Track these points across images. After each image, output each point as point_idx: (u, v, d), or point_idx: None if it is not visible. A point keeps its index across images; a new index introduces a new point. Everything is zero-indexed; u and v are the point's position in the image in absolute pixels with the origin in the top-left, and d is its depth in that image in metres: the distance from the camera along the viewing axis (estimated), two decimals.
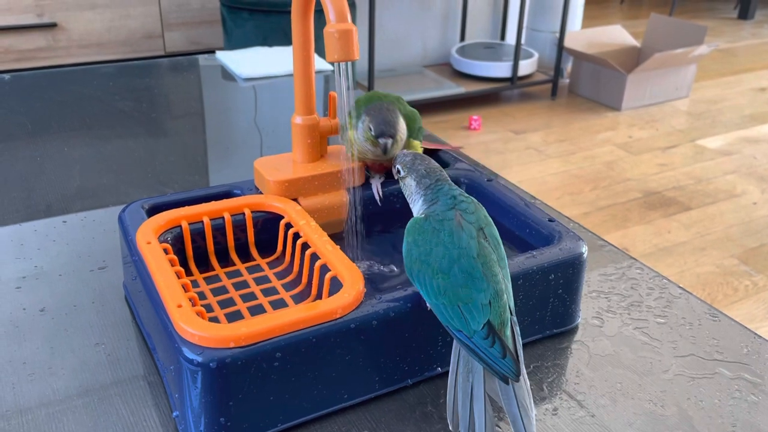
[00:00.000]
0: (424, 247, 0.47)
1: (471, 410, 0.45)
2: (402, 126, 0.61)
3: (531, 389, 0.51)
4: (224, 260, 0.60)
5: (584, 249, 0.56)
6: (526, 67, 2.99)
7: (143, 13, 2.44)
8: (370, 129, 0.59)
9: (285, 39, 1.98)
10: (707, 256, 1.96)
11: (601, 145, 2.66)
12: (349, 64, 0.54)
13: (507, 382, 0.44)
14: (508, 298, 0.47)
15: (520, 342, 0.46)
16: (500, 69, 2.95)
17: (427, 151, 0.69)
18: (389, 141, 0.59)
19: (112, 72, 1.21)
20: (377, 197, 0.64)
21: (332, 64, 0.53)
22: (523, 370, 0.45)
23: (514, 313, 0.47)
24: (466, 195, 0.50)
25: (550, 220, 0.60)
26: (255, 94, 1.12)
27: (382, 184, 0.65)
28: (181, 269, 0.53)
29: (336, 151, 0.66)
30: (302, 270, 0.57)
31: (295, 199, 0.62)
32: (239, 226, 0.60)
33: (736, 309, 1.73)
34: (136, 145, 0.93)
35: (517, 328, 0.47)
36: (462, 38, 3.21)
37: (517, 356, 0.45)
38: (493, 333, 0.44)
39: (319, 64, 1.18)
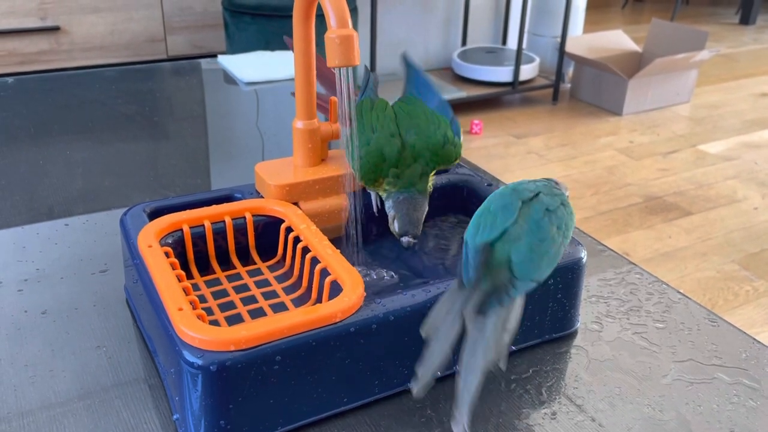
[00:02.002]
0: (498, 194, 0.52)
1: (445, 323, 0.45)
2: (422, 221, 0.61)
3: (531, 394, 0.52)
4: (225, 264, 0.61)
5: (583, 254, 0.56)
6: (527, 71, 3.00)
7: (146, 17, 2.45)
8: (395, 224, 0.60)
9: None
10: (708, 262, 1.96)
11: (602, 150, 2.66)
12: (350, 69, 0.54)
13: (458, 287, 0.47)
14: (537, 265, 0.48)
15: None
16: (502, 73, 2.95)
17: None
18: (411, 241, 0.60)
19: (114, 76, 1.21)
20: (375, 207, 0.64)
21: (333, 69, 0.53)
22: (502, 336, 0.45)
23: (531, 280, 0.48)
24: (558, 194, 0.53)
25: None
26: (257, 98, 1.12)
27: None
28: (182, 272, 0.54)
29: (337, 156, 0.67)
30: (302, 274, 0.57)
31: (295, 203, 0.62)
32: (240, 230, 0.61)
33: (737, 314, 1.73)
34: (138, 149, 0.94)
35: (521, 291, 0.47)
36: (463, 43, 3.22)
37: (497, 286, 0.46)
38: (486, 254, 0.47)
39: None
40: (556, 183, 0.55)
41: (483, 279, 0.46)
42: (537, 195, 0.51)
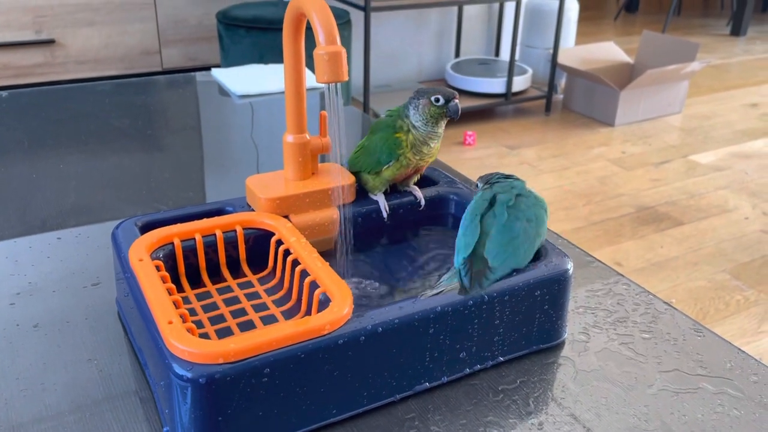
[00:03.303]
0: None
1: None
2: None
3: (518, 405, 0.52)
4: (216, 276, 0.61)
5: (570, 266, 0.57)
6: (520, 83, 3.02)
7: (141, 30, 2.46)
8: (437, 100, 0.63)
9: (281, 56, 1.99)
10: (699, 271, 1.97)
11: (594, 161, 2.68)
12: (339, 84, 0.55)
13: (461, 293, 0.53)
14: (511, 256, 0.56)
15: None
16: (495, 85, 2.97)
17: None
18: (457, 102, 0.63)
19: (108, 89, 1.22)
20: (384, 212, 0.66)
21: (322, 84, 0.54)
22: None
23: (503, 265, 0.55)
24: (515, 185, 0.60)
25: None
26: (251, 111, 1.13)
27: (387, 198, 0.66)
28: (173, 286, 0.54)
29: (327, 169, 0.67)
30: (292, 286, 0.58)
31: (286, 216, 0.63)
32: (231, 243, 0.61)
33: (728, 323, 1.74)
34: (132, 162, 0.94)
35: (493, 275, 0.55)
36: (457, 54, 3.24)
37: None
38: (470, 264, 0.55)
39: (313, 81, 1.19)
40: (509, 177, 0.62)
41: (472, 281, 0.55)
42: (494, 197, 0.58)
